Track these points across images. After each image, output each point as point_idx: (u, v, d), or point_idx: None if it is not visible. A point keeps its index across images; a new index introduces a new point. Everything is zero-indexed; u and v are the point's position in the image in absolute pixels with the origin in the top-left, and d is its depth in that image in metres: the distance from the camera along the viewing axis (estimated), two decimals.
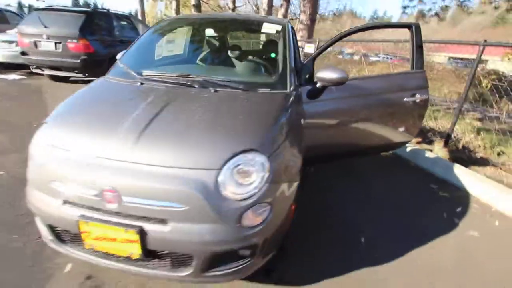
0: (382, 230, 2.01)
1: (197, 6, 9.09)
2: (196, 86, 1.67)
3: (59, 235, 1.37)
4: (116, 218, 1.18)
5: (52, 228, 1.35)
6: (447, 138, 3.31)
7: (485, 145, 3.43)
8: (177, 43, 2.71)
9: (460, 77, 7.06)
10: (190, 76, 1.76)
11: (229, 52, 2.41)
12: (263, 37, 2.64)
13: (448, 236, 2.00)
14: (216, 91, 1.61)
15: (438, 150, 3.31)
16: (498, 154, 3.26)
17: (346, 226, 2.02)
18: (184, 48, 2.56)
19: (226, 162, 1.19)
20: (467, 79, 3.02)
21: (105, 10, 6.15)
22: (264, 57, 2.24)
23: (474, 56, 2.95)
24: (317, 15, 10.16)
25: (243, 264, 1.29)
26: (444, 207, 2.36)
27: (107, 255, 1.30)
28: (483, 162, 3.09)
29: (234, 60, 2.13)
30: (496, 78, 4.27)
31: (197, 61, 2.37)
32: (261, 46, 2.57)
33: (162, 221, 1.16)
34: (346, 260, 1.71)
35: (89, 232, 1.21)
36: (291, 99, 1.68)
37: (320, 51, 2.12)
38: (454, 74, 7.64)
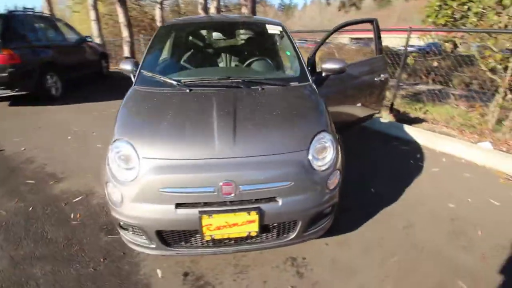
0: (372, 176, 2.66)
1: (123, 3, 8.35)
2: (242, 86, 1.88)
3: (164, 239, 1.47)
4: (236, 206, 1.38)
5: (159, 234, 1.44)
6: (391, 106, 4.24)
7: (415, 108, 4.51)
8: (186, 47, 2.73)
9: (364, 54, 8.39)
10: (231, 78, 1.95)
11: (245, 52, 2.61)
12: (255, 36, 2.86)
13: (421, 173, 2.78)
14: (262, 88, 1.87)
15: (386, 116, 4.21)
16: (425, 113, 4.37)
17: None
18: (195, 51, 2.60)
19: (310, 143, 1.51)
20: (402, 60, 3.93)
21: (25, 11, 5.19)
22: (276, 55, 2.52)
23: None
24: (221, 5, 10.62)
25: (326, 221, 1.65)
26: (408, 155, 3.17)
27: (218, 243, 1.48)
28: (418, 120, 4.11)
29: (253, 60, 2.36)
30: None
31: (220, 64, 2.48)
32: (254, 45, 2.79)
33: (273, 199, 1.42)
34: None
35: (210, 225, 1.38)
36: (314, 87, 2.06)
37: (319, 46, 2.54)
38: (360, 53, 9.00)
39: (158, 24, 10.46)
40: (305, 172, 1.45)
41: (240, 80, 1.93)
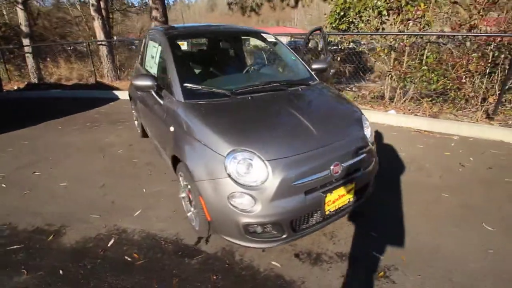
0: None
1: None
2: (284, 89, 2.18)
3: (292, 227, 1.66)
4: (342, 181, 1.76)
5: (291, 223, 1.63)
6: None
7: None
8: (201, 56, 2.53)
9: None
10: (272, 83, 2.20)
11: (258, 59, 2.72)
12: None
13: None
14: (301, 88, 2.24)
15: None
16: None
17: None
18: (213, 60, 2.52)
19: (363, 129, 2.04)
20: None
21: None
22: (280, 59, 2.82)
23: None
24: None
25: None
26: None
27: (326, 217, 1.81)
28: None
29: (270, 65, 2.59)
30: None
31: (249, 70, 2.54)
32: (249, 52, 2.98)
33: (359, 169, 1.88)
34: None
35: (329, 201, 1.71)
36: (325, 84, 2.59)
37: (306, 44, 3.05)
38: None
39: (24, 28, 8.17)
40: (368, 146, 1.98)
41: (278, 84, 2.23)
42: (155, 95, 2.14)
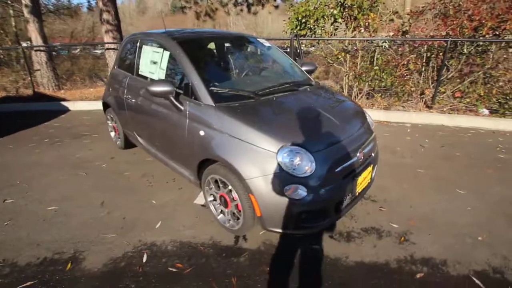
0: None
1: None
2: (296, 89, 2.37)
3: (335, 210, 1.85)
4: (364, 164, 2.03)
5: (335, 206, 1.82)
6: None
7: None
8: (213, 60, 2.43)
9: None
10: (284, 84, 2.36)
11: (263, 63, 2.77)
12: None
13: None
14: (309, 88, 2.45)
15: None
16: None
17: None
18: (225, 64, 2.47)
19: (367, 120, 2.36)
20: None
21: None
22: (279, 63, 2.95)
23: None
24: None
25: None
26: None
27: (355, 198, 2.03)
28: None
29: (274, 68, 2.70)
30: None
31: (260, 72, 2.56)
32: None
33: (371, 153, 2.18)
34: None
35: (359, 183, 1.96)
36: (321, 84, 2.86)
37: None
38: None
39: None
40: (373, 134, 2.31)
41: (292, 85, 2.41)
42: (174, 101, 2.09)
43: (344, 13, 5.07)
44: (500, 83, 4.74)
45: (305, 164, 1.69)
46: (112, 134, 3.73)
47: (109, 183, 2.86)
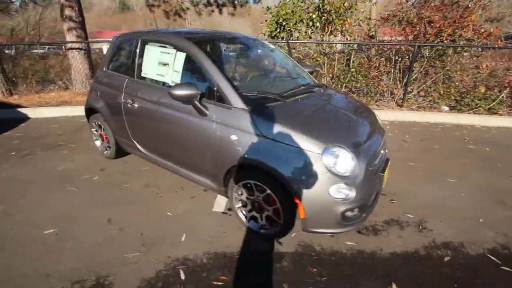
0: None
1: None
2: (313, 90, 2.42)
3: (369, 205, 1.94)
4: (385, 161, 2.16)
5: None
6: None
7: None
8: (229, 61, 2.26)
9: None
10: (306, 85, 2.40)
11: (276, 65, 2.70)
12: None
13: None
14: (322, 89, 2.52)
15: None
16: None
17: None
18: (242, 65, 2.35)
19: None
20: None
21: None
22: (287, 65, 2.93)
23: None
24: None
25: None
26: None
27: (380, 193, 2.16)
28: None
29: (286, 70, 2.69)
30: None
31: (276, 75, 2.50)
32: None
33: (386, 149, 2.33)
34: None
35: (384, 178, 2.08)
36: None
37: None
38: None
39: None
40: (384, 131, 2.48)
41: (305, 86, 2.46)
42: (198, 105, 1.97)
43: (322, 18, 5.32)
44: (456, 83, 5.42)
45: (348, 163, 1.74)
46: (98, 143, 3.38)
47: (109, 197, 2.59)
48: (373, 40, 5.94)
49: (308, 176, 1.70)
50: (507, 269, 1.82)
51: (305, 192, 1.71)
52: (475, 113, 5.10)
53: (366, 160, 1.84)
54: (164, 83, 2.34)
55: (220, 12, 8.12)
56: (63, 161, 3.30)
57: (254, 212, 2.04)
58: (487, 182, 2.93)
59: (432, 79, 5.47)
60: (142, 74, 2.50)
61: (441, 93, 5.50)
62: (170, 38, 2.30)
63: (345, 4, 5.13)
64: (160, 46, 2.35)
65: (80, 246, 1.99)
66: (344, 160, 1.74)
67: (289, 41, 4.35)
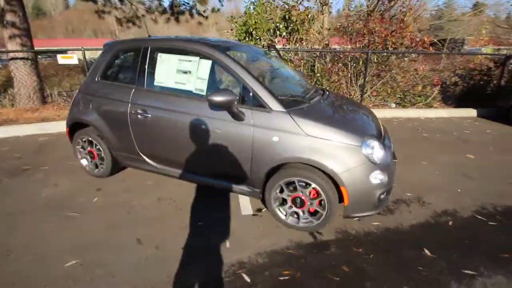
0: None
1: None
2: (324, 93, 2.66)
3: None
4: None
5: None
6: None
7: None
8: (253, 67, 2.24)
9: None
10: (317, 88, 2.63)
11: (283, 70, 2.78)
12: None
13: None
14: (328, 92, 2.79)
15: None
16: None
17: None
18: (263, 71, 2.37)
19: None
20: None
21: None
22: (291, 71, 3.07)
23: None
24: None
25: None
26: None
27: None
28: None
29: (294, 75, 2.86)
30: None
31: (288, 79, 2.57)
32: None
33: None
34: None
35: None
36: None
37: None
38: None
39: None
40: None
41: (316, 89, 2.70)
42: (236, 110, 2.01)
43: (289, 28, 5.74)
44: (400, 83, 6.43)
45: (380, 152, 2.01)
46: (84, 161, 3.02)
47: (123, 217, 2.37)
48: (328, 48, 6.63)
49: (352, 167, 1.91)
50: (493, 223, 2.33)
51: (351, 182, 1.91)
52: (417, 108, 6.12)
53: (388, 149, 2.15)
54: (184, 91, 2.29)
55: (177, 20, 7.95)
56: (44, 187, 2.86)
57: (295, 208, 2.16)
58: (449, 161, 3.60)
59: (381, 81, 6.37)
60: (155, 83, 2.39)
61: (388, 92, 6.44)
62: (194, 46, 2.26)
63: (309, 16, 5.64)
64: (178, 54, 2.30)
65: (114, 272, 1.80)
66: (377, 150, 2.01)
67: (278, 49, 4.57)
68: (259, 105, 2.06)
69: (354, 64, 6.32)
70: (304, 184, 2.05)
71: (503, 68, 6.04)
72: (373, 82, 6.45)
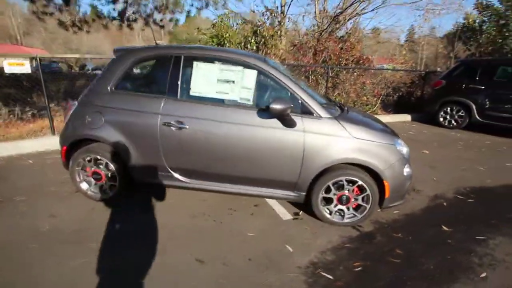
0: None
1: None
2: (332, 101, 2.99)
3: None
4: None
5: None
6: None
7: None
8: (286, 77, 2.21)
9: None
10: (326, 97, 2.92)
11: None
12: None
13: None
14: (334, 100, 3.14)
15: None
16: None
17: None
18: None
19: None
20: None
21: None
22: None
23: None
24: None
25: None
26: None
27: None
28: None
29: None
30: None
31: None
32: None
33: None
34: None
35: None
36: None
37: None
38: None
39: None
40: None
41: (329, 99, 3.00)
42: (292, 117, 2.13)
43: (260, 42, 6.06)
44: (350, 94, 7.42)
45: (405, 149, 2.41)
46: (84, 185, 2.59)
47: (164, 241, 2.15)
48: (294, 62, 7.22)
49: (392, 163, 2.24)
50: (470, 200, 3.00)
51: (392, 176, 2.24)
52: None
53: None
54: (228, 101, 2.28)
55: (130, 27, 7.42)
56: (37, 219, 2.34)
57: (340, 205, 2.36)
58: (413, 156, 4.34)
59: (337, 92, 7.25)
60: (191, 93, 2.30)
61: (342, 102, 7.35)
62: (237, 56, 2.28)
63: (278, 32, 6.08)
64: (220, 63, 2.28)
65: None
66: (404, 147, 2.40)
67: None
68: (307, 112, 2.23)
69: (315, 78, 7.03)
70: (351, 182, 2.28)
71: (424, 82, 7.66)
72: (331, 93, 7.28)
